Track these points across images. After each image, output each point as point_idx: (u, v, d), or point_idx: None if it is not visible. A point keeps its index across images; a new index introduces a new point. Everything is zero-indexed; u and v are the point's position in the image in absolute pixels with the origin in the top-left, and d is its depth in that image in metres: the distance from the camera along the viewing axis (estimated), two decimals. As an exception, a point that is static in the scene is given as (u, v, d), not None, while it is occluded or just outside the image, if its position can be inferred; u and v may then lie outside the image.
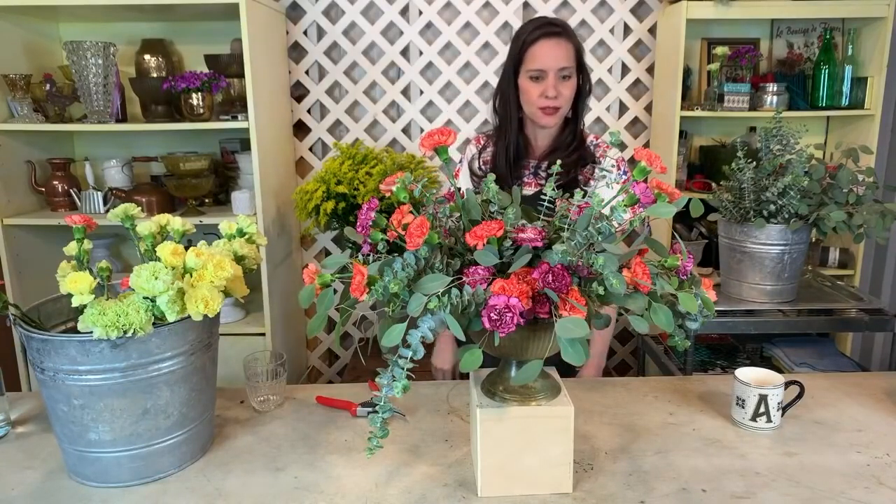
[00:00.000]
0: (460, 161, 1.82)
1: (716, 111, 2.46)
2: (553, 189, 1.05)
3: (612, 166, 1.63)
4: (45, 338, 1.08)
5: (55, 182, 2.45)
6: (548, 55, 1.53)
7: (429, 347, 1.81)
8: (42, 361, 1.09)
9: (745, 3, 2.36)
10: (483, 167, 1.70)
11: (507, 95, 1.63)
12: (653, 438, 1.28)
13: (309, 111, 2.74)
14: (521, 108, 1.64)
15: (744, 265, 1.98)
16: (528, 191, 1.63)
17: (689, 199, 1.10)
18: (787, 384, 1.33)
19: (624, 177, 1.63)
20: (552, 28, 1.55)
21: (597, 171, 1.62)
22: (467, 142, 1.77)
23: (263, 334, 2.37)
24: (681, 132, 2.49)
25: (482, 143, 1.74)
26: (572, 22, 2.65)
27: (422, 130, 2.74)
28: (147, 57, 2.44)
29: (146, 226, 1.26)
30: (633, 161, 1.05)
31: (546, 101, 1.56)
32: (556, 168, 1.09)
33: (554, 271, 0.93)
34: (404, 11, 2.67)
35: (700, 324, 1.05)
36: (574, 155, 1.61)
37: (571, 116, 1.66)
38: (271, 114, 2.43)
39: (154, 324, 1.10)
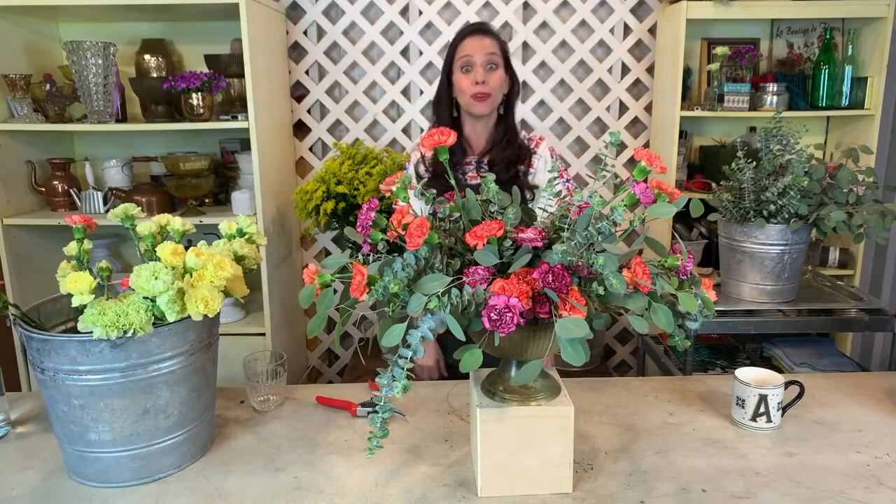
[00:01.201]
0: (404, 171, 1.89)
1: (716, 111, 2.46)
2: (553, 190, 1.05)
3: (541, 156, 1.78)
4: (45, 338, 1.08)
5: (55, 182, 2.45)
6: (474, 46, 1.71)
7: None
8: (42, 361, 1.09)
9: (745, 3, 2.36)
10: (428, 169, 1.80)
11: (442, 99, 1.78)
12: (653, 438, 1.28)
13: (309, 111, 2.74)
14: (456, 108, 1.79)
15: (744, 265, 1.98)
16: (475, 182, 1.75)
17: (689, 199, 1.10)
18: (787, 384, 1.33)
19: (558, 163, 1.72)
20: (477, 26, 1.75)
21: (534, 160, 1.77)
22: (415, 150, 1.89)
23: (263, 334, 2.37)
24: (681, 132, 2.49)
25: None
26: (572, 22, 2.66)
27: (422, 130, 2.74)
28: (147, 57, 2.44)
29: (146, 226, 1.26)
30: (633, 161, 1.05)
31: (476, 87, 1.69)
32: (554, 171, 1.08)
33: (554, 271, 0.93)
34: (404, 11, 2.67)
35: (700, 324, 1.05)
36: (508, 150, 1.75)
37: (503, 114, 1.79)
38: (271, 114, 2.43)
39: (154, 324, 1.10)
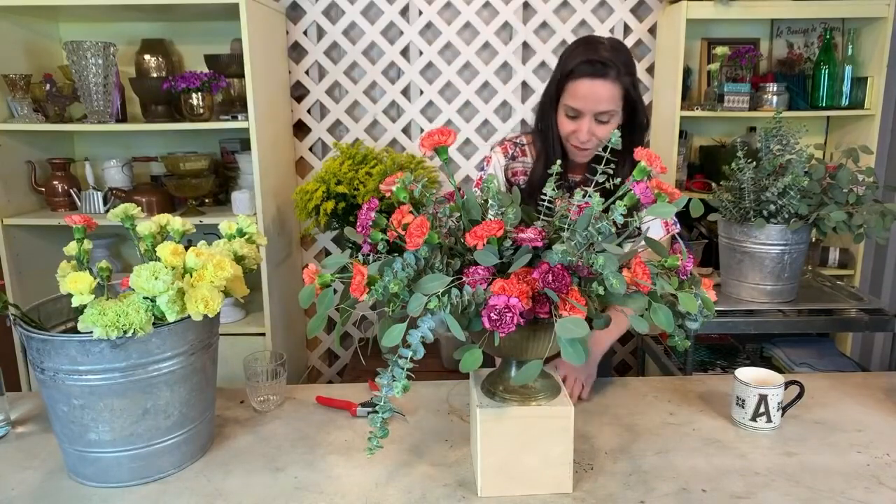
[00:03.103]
0: (482, 169, 1.70)
1: (716, 111, 2.46)
2: (553, 189, 1.05)
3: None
4: (45, 338, 1.08)
5: (55, 182, 2.45)
6: (587, 97, 1.39)
7: (431, 348, 1.81)
8: (42, 361, 1.09)
9: (745, 3, 2.36)
10: (512, 178, 1.60)
11: (548, 118, 1.51)
12: (653, 438, 1.28)
13: (309, 111, 2.74)
14: None
15: (744, 265, 1.97)
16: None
17: (689, 199, 1.10)
18: (787, 384, 1.33)
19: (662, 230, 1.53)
20: (598, 68, 1.38)
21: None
22: (502, 144, 1.66)
23: (263, 334, 2.37)
24: (681, 132, 2.49)
25: (510, 151, 1.63)
26: (572, 22, 2.65)
27: (422, 130, 2.74)
28: (147, 57, 2.44)
29: (146, 226, 1.26)
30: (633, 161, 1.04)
31: (577, 141, 1.45)
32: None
33: (554, 271, 0.93)
34: (404, 11, 2.67)
35: (700, 324, 1.05)
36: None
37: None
38: (271, 114, 2.43)
39: (154, 324, 1.10)
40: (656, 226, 1.53)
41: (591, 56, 1.39)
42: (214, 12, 2.34)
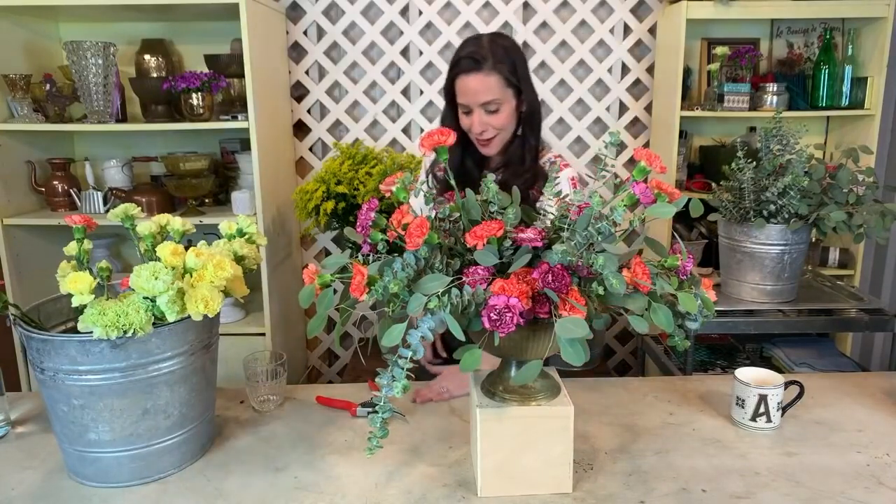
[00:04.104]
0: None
1: (716, 111, 2.46)
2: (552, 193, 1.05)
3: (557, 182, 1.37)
4: (45, 338, 1.08)
5: (55, 182, 2.45)
6: (467, 91, 1.48)
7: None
8: (42, 361, 1.09)
9: (745, 3, 2.36)
10: (438, 171, 1.66)
11: (447, 116, 1.59)
12: (653, 438, 1.28)
13: (309, 111, 2.74)
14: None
15: (744, 265, 1.97)
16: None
17: (689, 199, 1.10)
18: (787, 384, 1.33)
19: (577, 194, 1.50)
20: (471, 64, 1.47)
21: (546, 187, 1.39)
22: None
23: (263, 334, 2.37)
24: (681, 132, 2.49)
25: None
26: (572, 22, 2.65)
27: (422, 130, 2.74)
28: (147, 57, 2.44)
29: (146, 226, 1.26)
30: (633, 161, 1.04)
31: (474, 134, 1.54)
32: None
33: (554, 271, 0.93)
34: (404, 11, 2.67)
35: (700, 324, 1.05)
36: (526, 174, 1.55)
37: (523, 134, 1.59)
38: (271, 114, 2.43)
39: (154, 324, 1.10)
40: (564, 184, 1.55)
41: (462, 53, 1.49)
42: (214, 12, 2.34)
